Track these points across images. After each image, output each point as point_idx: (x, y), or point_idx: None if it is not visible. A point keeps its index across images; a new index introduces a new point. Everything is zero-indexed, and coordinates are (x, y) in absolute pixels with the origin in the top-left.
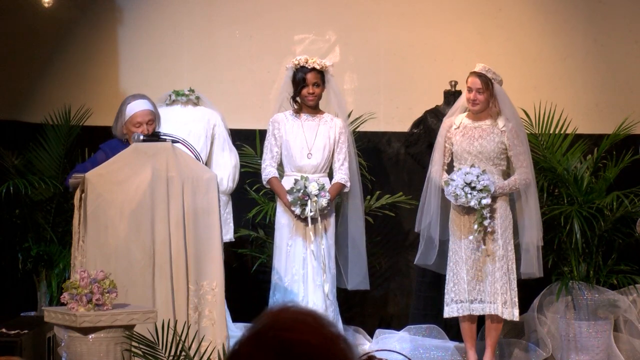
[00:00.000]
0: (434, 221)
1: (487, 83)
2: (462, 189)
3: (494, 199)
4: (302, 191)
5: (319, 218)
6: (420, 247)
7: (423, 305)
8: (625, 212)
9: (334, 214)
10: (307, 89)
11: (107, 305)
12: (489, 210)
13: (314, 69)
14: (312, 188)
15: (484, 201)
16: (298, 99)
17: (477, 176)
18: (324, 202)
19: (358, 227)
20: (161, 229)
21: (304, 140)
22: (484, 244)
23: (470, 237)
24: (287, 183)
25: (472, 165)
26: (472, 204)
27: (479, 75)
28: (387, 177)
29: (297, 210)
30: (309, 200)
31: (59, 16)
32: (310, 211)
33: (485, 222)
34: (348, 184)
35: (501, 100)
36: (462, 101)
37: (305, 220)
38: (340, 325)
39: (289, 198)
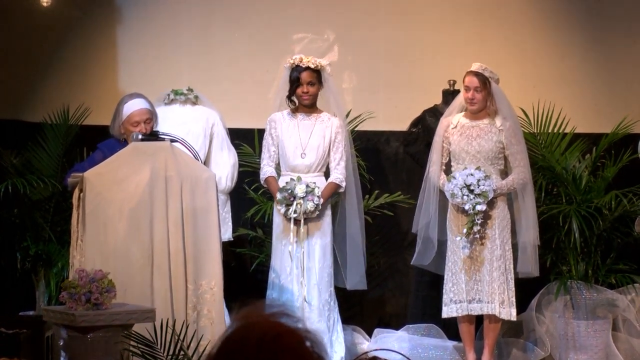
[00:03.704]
0: (433, 222)
1: (484, 82)
2: (461, 189)
3: (492, 199)
4: (289, 191)
5: (302, 221)
6: (417, 247)
7: (422, 305)
8: (624, 211)
9: (329, 215)
10: (301, 88)
11: (105, 305)
12: (482, 217)
13: (308, 67)
14: (299, 190)
15: (478, 207)
16: (294, 98)
17: (479, 180)
18: (309, 205)
19: (356, 226)
20: (160, 228)
21: (298, 139)
22: (482, 244)
23: (457, 239)
24: (282, 182)
25: (478, 168)
26: (466, 207)
27: (476, 74)
28: (385, 177)
29: (282, 210)
30: (294, 202)
31: (58, 15)
32: (294, 212)
33: (475, 228)
34: (343, 184)
35: (498, 99)
36: (459, 101)
37: (290, 220)
38: (339, 325)
39: (278, 196)
